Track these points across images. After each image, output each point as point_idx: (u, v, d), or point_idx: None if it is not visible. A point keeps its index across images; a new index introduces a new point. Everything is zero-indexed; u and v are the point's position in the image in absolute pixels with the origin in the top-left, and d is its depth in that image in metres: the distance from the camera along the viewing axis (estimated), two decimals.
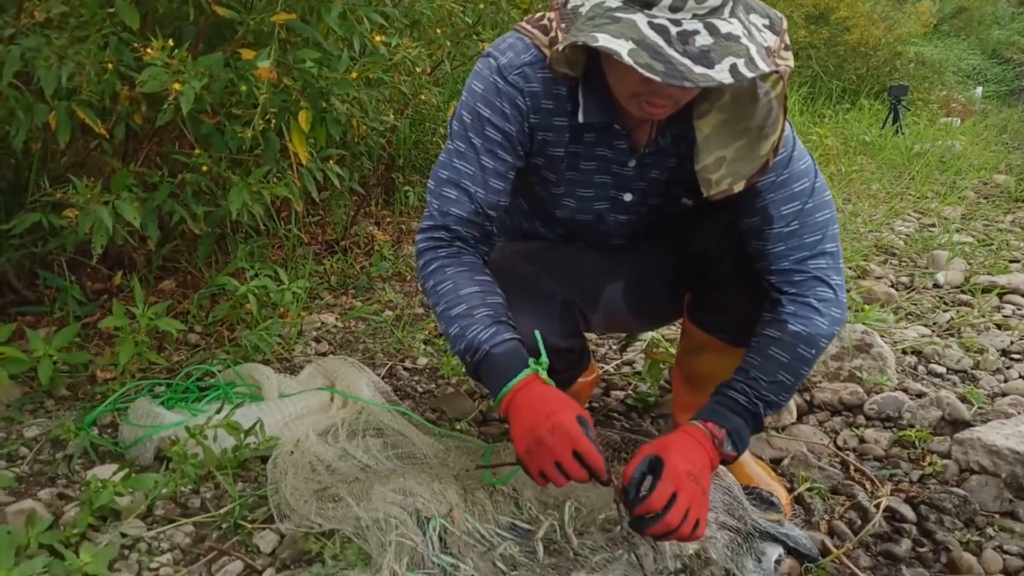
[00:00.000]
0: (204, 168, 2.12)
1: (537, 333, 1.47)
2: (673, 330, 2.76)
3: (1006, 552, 1.63)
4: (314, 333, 2.77)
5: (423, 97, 2.99)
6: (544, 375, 1.42)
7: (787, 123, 1.35)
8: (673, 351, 2.34)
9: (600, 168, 1.55)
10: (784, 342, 1.47)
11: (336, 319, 2.89)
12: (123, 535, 1.63)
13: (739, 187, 1.34)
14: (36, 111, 1.90)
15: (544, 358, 1.44)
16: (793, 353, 1.46)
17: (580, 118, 1.45)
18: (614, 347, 2.72)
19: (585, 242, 1.73)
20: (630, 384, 2.44)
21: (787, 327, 1.47)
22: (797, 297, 1.48)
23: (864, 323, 2.51)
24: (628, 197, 1.59)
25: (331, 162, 2.45)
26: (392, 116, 2.89)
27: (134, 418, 1.95)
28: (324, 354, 2.61)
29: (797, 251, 1.47)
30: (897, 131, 6.84)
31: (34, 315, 2.58)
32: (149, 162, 2.44)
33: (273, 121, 2.05)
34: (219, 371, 2.29)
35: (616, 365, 2.58)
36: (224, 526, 1.69)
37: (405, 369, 2.53)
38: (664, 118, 1.39)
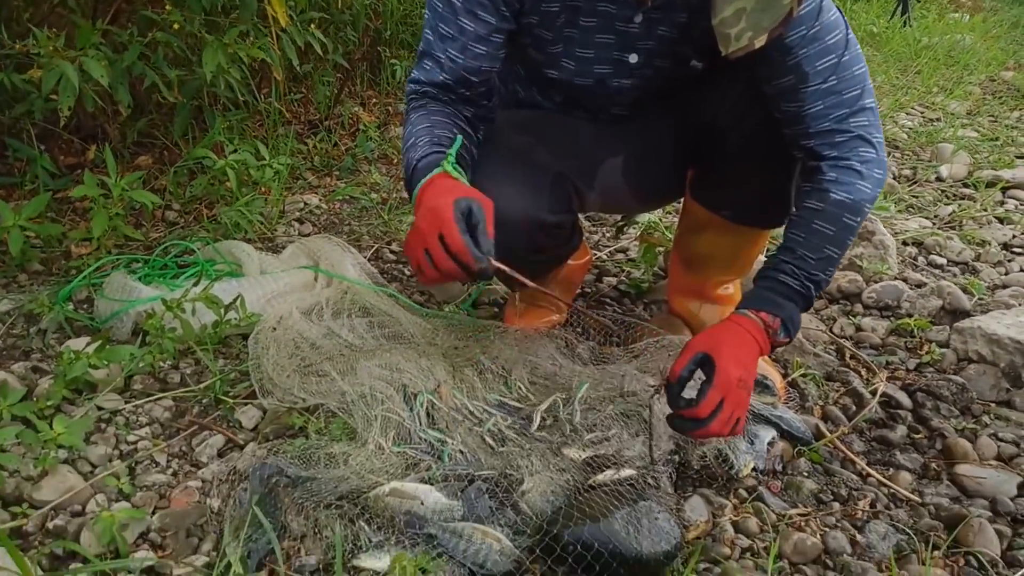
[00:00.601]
0: (176, 26, 1.96)
1: (459, 137, 1.39)
2: (670, 217, 2.68)
3: (1001, 439, 1.61)
4: (297, 214, 2.67)
5: None
6: (451, 170, 1.32)
7: None
8: (670, 236, 2.26)
9: (602, 25, 1.43)
10: (828, 213, 1.37)
11: (320, 200, 2.79)
12: (99, 408, 1.58)
13: (760, 42, 1.22)
14: None
15: (452, 151, 1.35)
16: (838, 224, 1.37)
17: None
18: (607, 234, 2.64)
19: (585, 111, 1.62)
20: (623, 270, 2.37)
21: (830, 196, 1.36)
22: (839, 161, 1.37)
23: None
24: (633, 59, 1.47)
25: (313, 27, 2.29)
26: None
27: (109, 292, 1.88)
28: (307, 235, 2.52)
29: (837, 108, 1.36)
30: (905, 23, 6.58)
31: (4, 188, 2.47)
32: (118, 23, 2.27)
33: None
34: (198, 248, 2.21)
35: (609, 252, 2.51)
36: (204, 401, 1.65)
37: (392, 252, 2.45)
38: None
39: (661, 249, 2.26)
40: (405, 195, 2.88)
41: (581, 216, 2.55)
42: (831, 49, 1.33)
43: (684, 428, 1.30)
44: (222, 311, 1.76)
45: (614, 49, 1.47)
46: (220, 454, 1.50)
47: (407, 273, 2.31)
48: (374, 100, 3.66)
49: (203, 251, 2.18)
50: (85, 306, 2.00)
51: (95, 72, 1.84)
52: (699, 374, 1.31)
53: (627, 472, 1.33)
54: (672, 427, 1.33)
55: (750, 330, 1.33)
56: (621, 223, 2.45)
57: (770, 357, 1.85)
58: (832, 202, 1.36)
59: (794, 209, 1.42)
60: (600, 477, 1.32)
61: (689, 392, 1.31)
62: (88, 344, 1.64)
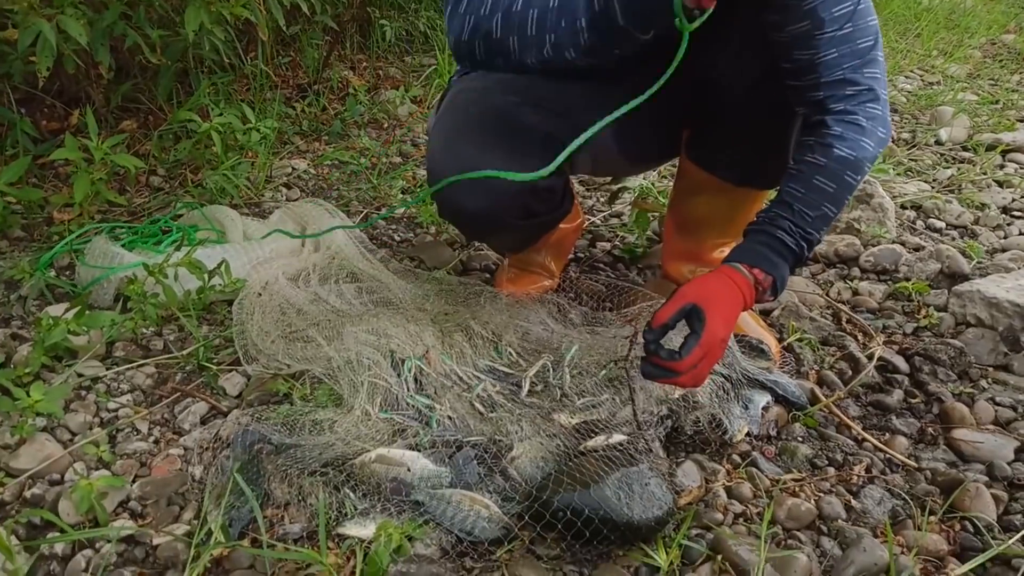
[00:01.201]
0: None
1: None
2: (665, 182, 2.63)
3: (998, 404, 1.58)
4: (284, 179, 2.61)
5: None
6: None
7: None
8: (664, 201, 2.22)
9: None
10: (830, 169, 1.32)
11: (308, 165, 2.73)
12: (79, 375, 1.55)
13: None
14: None
15: None
16: (839, 181, 1.33)
17: None
18: (601, 199, 2.59)
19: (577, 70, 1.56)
20: (617, 236, 2.33)
21: (832, 151, 1.32)
22: (845, 116, 1.33)
23: None
24: None
25: None
26: None
27: (91, 258, 1.83)
28: (295, 200, 2.47)
29: (850, 58, 1.32)
30: None
31: None
32: None
33: None
34: (184, 213, 2.16)
35: (603, 217, 2.46)
36: (188, 368, 1.61)
37: (382, 218, 2.41)
38: None
39: (655, 214, 2.22)
40: (395, 160, 2.83)
41: (573, 179, 2.50)
42: None
43: (655, 375, 1.26)
44: (206, 276, 1.72)
45: None
46: (203, 421, 1.47)
47: (396, 239, 2.27)
48: (364, 63, 3.58)
49: (186, 216, 2.14)
50: (67, 272, 1.96)
51: (73, 31, 1.77)
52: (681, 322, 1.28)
53: (618, 437, 1.30)
54: (643, 372, 1.27)
55: (741, 287, 1.30)
56: (615, 189, 2.40)
57: (765, 321, 1.82)
58: (835, 158, 1.32)
59: (793, 162, 1.38)
60: (591, 443, 1.29)
61: (668, 338, 1.27)
62: (67, 310, 1.61)
